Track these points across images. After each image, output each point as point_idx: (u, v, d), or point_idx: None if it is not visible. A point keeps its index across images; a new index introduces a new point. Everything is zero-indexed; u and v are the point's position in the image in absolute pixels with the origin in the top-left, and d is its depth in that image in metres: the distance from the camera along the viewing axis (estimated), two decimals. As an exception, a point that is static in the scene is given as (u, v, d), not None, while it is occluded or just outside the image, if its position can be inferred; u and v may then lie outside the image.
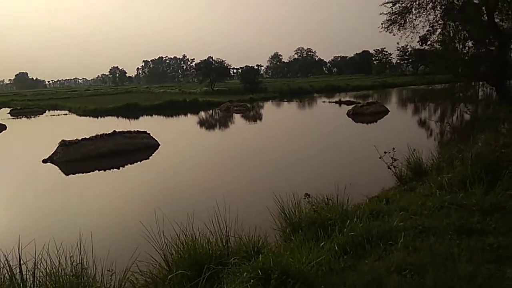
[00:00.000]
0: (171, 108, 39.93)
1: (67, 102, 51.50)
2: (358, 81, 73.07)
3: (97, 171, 15.04)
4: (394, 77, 78.31)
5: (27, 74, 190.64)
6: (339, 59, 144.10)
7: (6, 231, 8.58)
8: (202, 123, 32.49)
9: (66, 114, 41.25)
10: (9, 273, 4.28)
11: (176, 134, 24.43)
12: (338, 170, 12.72)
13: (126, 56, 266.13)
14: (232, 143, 21.27)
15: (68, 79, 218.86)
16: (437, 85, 19.72)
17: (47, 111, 46.27)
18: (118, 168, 15.37)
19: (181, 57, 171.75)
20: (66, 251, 4.60)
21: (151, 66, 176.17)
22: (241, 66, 71.34)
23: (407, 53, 79.05)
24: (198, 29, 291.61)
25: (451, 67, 14.55)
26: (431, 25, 14.05)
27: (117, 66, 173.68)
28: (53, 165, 15.74)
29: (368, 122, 25.16)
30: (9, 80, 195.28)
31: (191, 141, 21.86)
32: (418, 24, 13.88)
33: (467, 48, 14.96)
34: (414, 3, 13.43)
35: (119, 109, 39.07)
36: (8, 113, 44.94)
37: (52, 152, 16.40)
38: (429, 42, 15.51)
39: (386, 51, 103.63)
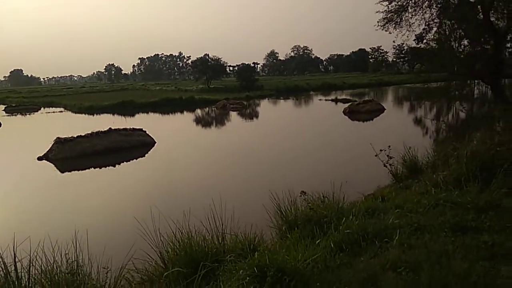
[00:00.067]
0: (167, 106, 39.80)
1: (62, 99, 51.21)
2: (354, 79, 73.16)
3: (92, 168, 14.98)
4: (390, 75, 78.48)
5: (22, 71, 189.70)
6: (335, 57, 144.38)
7: (0, 229, 8.54)
8: (198, 120, 32.42)
9: (61, 111, 41.03)
10: (4, 271, 4.26)
11: (172, 132, 24.38)
12: (334, 168, 12.75)
13: (122, 53, 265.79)
14: (228, 140, 21.25)
15: (64, 76, 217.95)
16: (433, 83, 19.82)
17: (42, 108, 46.01)
18: (114, 166, 15.33)
19: (177, 54, 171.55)
20: (62, 249, 4.59)
21: (147, 63, 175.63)
22: (238, 64, 71.40)
23: (403, 52, 79.48)
24: (194, 26, 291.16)
25: (446, 65, 14.61)
26: (427, 23, 14.11)
27: (113, 63, 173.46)
28: (48, 162, 15.67)
29: (364, 120, 25.21)
30: (4, 77, 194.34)
31: (187, 138, 21.82)
32: (414, 23, 13.95)
33: (462, 46, 15.05)
34: (410, 2, 13.48)
35: (114, 107, 38.90)
36: (3, 110, 44.66)
37: (47, 150, 16.32)
38: (425, 41, 15.60)
39: (382, 49, 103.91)
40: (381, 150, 8.58)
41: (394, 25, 14.07)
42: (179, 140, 21.26)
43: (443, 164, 8.06)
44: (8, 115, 39.74)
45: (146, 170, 14.66)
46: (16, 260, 4.29)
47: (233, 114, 32.83)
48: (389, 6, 13.83)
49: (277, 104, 43.36)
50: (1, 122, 30.03)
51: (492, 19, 13.12)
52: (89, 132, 17.35)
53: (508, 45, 17.10)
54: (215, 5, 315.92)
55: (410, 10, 13.63)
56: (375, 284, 3.93)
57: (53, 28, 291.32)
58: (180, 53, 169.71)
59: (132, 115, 34.21)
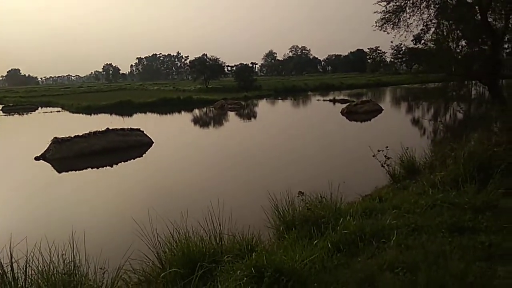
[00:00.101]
0: (165, 106, 39.77)
1: (60, 99, 51.15)
2: (352, 80, 73.25)
3: (90, 168, 14.95)
4: (388, 76, 78.60)
5: (19, 70, 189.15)
6: (333, 57, 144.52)
7: (-3, 229, 8.50)
8: (196, 120, 32.39)
9: (59, 111, 40.95)
10: (0, 271, 4.24)
11: (169, 132, 24.37)
12: (332, 169, 12.75)
13: (120, 53, 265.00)
14: (226, 141, 21.24)
15: (61, 76, 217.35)
16: (431, 84, 19.85)
17: (39, 108, 45.92)
18: (111, 166, 15.30)
19: (175, 54, 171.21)
20: (59, 249, 4.57)
21: (145, 63, 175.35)
22: (236, 64, 71.52)
23: (401, 52, 79.52)
24: (193, 26, 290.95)
25: (444, 66, 14.61)
26: (425, 24, 14.10)
27: (111, 63, 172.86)
28: (45, 162, 15.63)
29: (362, 120, 25.25)
30: (1, 76, 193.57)
31: (185, 139, 21.80)
32: (412, 23, 13.93)
33: (460, 47, 15.04)
34: (408, 2, 13.47)
35: (112, 106, 38.86)
36: (0, 110, 44.54)
37: (45, 150, 16.28)
38: (422, 41, 15.60)
39: (380, 50, 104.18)
40: (378, 151, 8.59)
41: (392, 25, 14.06)
42: (177, 140, 21.25)
43: (441, 164, 8.07)
44: (5, 115, 39.64)
45: (144, 170, 14.64)
46: (13, 260, 4.27)
47: (231, 114, 32.82)
48: (387, 6, 13.82)
49: (275, 105, 43.37)
50: (-2, 122, 29.93)
51: (489, 19, 13.14)
52: (87, 132, 17.32)
53: (506, 46, 17.12)
54: (213, 5, 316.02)
55: (408, 11, 13.62)
56: (373, 284, 3.94)
57: (51, 28, 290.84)
58: (178, 53, 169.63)
59: (130, 115, 34.16)
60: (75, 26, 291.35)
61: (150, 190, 11.68)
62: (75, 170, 14.79)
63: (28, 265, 4.27)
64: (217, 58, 63.81)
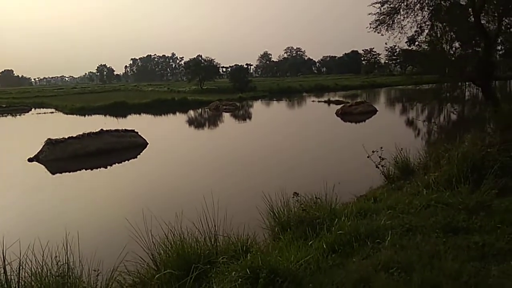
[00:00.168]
0: (159, 107, 39.64)
1: (53, 100, 50.81)
2: (347, 81, 73.51)
3: (84, 170, 14.87)
4: (382, 77, 79.02)
5: (12, 71, 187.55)
6: (328, 58, 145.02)
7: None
8: (191, 122, 32.34)
9: (52, 112, 40.69)
10: (-7, 274, 4.20)
11: (164, 133, 24.27)
12: (327, 169, 12.78)
13: (114, 54, 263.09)
14: (221, 142, 21.22)
15: (55, 77, 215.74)
16: (425, 85, 19.92)
17: (33, 109, 45.59)
18: (106, 167, 15.22)
19: (170, 55, 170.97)
20: (52, 251, 4.54)
21: (139, 64, 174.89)
22: (231, 65, 71.36)
23: (395, 54, 79.94)
24: (187, 27, 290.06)
25: (438, 67, 14.69)
26: (418, 26, 14.14)
27: (105, 64, 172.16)
28: (39, 164, 15.51)
29: (357, 121, 25.34)
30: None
31: (180, 140, 21.74)
32: (406, 25, 13.96)
33: (454, 49, 15.11)
34: (402, 4, 13.50)
35: (106, 108, 38.66)
36: (-7, 111, 44.19)
37: (38, 151, 16.16)
38: (416, 43, 15.62)
39: (375, 51, 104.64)
40: (373, 152, 8.63)
41: (386, 27, 14.09)
42: (172, 141, 21.18)
43: (435, 165, 8.12)
44: (-2, 116, 39.30)
45: (138, 171, 14.58)
46: (6, 263, 4.24)
47: (226, 115, 32.81)
48: (382, 8, 13.84)
49: (270, 105, 43.41)
50: (-9, 123, 29.68)
51: (483, 21, 13.22)
52: (81, 133, 17.22)
53: (499, 47, 17.24)
54: (208, 6, 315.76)
55: (402, 13, 13.66)
56: (368, 285, 3.94)
57: (44, 28, 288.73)
58: (173, 54, 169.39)
59: (124, 116, 34.00)
60: (69, 26, 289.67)
61: (145, 191, 11.63)
62: (69, 172, 14.70)
63: (21, 267, 4.24)
64: (212, 59, 63.85)
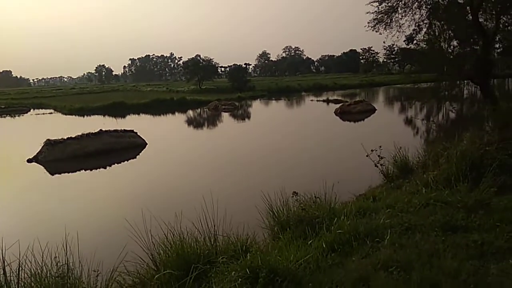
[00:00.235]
0: (158, 107, 39.61)
1: (52, 101, 50.73)
2: (345, 80, 73.51)
3: (83, 170, 14.85)
4: (381, 76, 79.04)
5: (11, 72, 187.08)
6: (326, 58, 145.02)
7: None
8: (190, 121, 32.32)
9: (51, 113, 40.64)
10: (-7, 275, 4.20)
11: (163, 133, 24.26)
12: (326, 168, 12.78)
13: (113, 54, 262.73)
14: (220, 142, 21.22)
15: (53, 77, 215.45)
16: (423, 84, 19.95)
17: (31, 110, 45.54)
18: (105, 168, 15.21)
19: (168, 55, 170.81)
20: (52, 252, 4.53)
21: (138, 64, 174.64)
22: (229, 65, 71.36)
23: (393, 52, 79.86)
24: (186, 27, 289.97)
25: (436, 66, 14.71)
26: (417, 24, 14.15)
27: (103, 64, 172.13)
28: (38, 164, 15.49)
29: (356, 120, 25.35)
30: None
31: (179, 140, 21.73)
32: (404, 24, 13.97)
33: (452, 47, 15.13)
34: (400, 3, 13.51)
35: (105, 108, 38.62)
36: (-9, 112, 44.13)
37: (37, 152, 16.14)
38: (415, 41, 15.63)
39: (373, 50, 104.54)
40: (372, 150, 8.63)
41: (384, 26, 14.09)
42: (171, 141, 21.17)
43: (434, 163, 8.12)
44: (-4, 117, 39.23)
45: (137, 172, 14.57)
46: (5, 264, 4.23)
47: (225, 115, 32.79)
48: (380, 7, 13.85)
49: (269, 105, 43.40)
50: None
51: (481, 20, 13.23)
52: (80, 133, 17.20)
53: (497, 45, 17.27)
54: (206, 6, 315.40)
55: (400, 11, 13.66)
56: (367, 284, 3.95)
57: (42, 29, 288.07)
58: (172, 54, 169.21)
59: (123, 116, 33.98)
60: (68, 27, 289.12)
61: (144, 191, 11.63)
62: (68, 172, 14.69)
63: (20, 268, 4.24)
64: (210, 59, 63.87)
